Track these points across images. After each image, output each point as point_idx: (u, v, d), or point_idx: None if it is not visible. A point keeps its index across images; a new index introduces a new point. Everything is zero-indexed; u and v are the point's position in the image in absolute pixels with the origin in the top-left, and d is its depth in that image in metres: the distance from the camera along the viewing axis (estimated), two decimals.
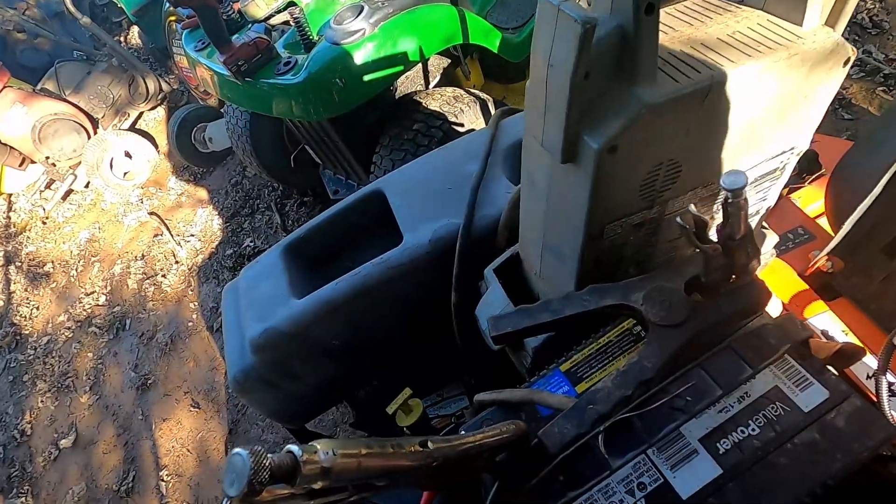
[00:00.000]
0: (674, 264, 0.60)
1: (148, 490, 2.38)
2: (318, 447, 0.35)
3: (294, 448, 0.34)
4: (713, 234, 0.55)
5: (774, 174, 0.70)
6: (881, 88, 2.36)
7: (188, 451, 2.41)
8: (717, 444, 0.55)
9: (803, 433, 0.54)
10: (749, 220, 0.76)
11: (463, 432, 0.62)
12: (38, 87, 3.73)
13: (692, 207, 0.48)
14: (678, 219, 0.48)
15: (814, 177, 1.23)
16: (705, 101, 0.53)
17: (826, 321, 0.95)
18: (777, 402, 0.56)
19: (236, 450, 0.31)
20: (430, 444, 0.44)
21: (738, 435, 0.55)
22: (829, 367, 0.57)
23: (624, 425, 0.50)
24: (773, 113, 0.58)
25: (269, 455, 0.32)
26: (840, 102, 2.32)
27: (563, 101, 0.52)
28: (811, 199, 1.26)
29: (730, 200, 0.46)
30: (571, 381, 0.67)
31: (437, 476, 0.46)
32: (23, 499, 2.57)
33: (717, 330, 0.56)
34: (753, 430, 0.55)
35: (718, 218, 0.64)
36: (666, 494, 0.54)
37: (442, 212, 0.99)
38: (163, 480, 2.37)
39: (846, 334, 0.92)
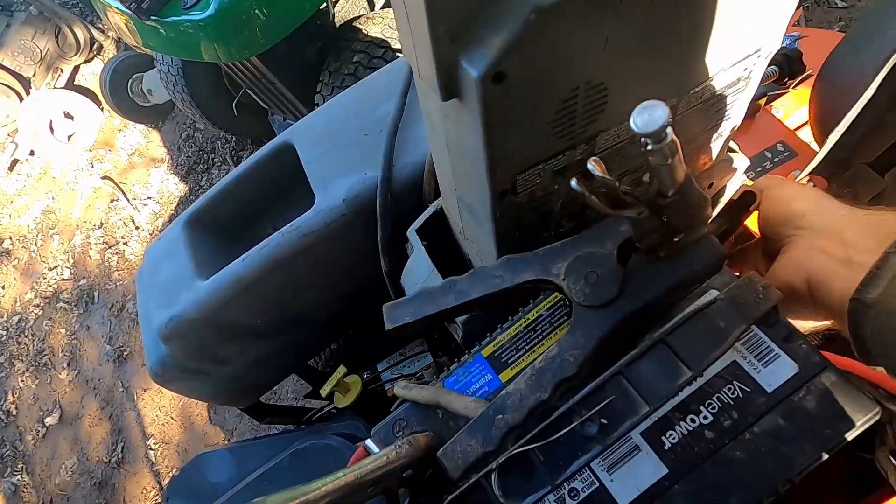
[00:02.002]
0: (605, 222, 0.47)
1: (138, 459, 2.38)
2: None
3: None
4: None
5: (738, 86, 0.55)
6: None
7: (172, 418, 2.39)
8: (663, 438, 0.45)
9: (765, 419, 0.44)
10: (686, 160, 0.62)
11: (368, 441, 0.52)
12: None
13: (592, 166, 0.34)
14: (573, 182, 0.34)
15: (798, 80, 1.06)
16: None
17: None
18: (735, 382, 0.45)
19: None
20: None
21: (688, 425, 0.45)
22: (800, 333, 0.45)
23: (523, 462, 0.40)
24: (726, 6, 0.42)
25: None
26: None
27: (422, 15, 0.36)
28: (796, 107, 1.11)
29: (649, 147, 0.32)
30: (495, 367, 0.56)
31: None
32: (18, 476, 2.59)
33: (658, 305, 0.44)
34: (706, 417, 0.45)
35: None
36: (601, 501, 0.45)
37: (357, 164, 0.84)
38: (151, 448, 2.37)
39: None
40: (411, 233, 0.76)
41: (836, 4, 2.03)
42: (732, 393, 0.45)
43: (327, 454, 0.77)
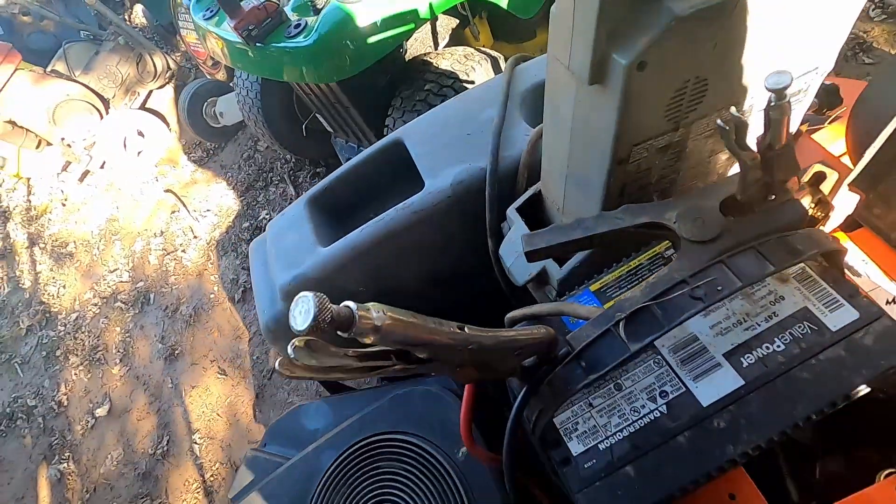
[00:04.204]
0: (710, 185, 0.61)
1: (182, 452, 2.48)
2: (371, 307, 0.38)
3: (351, 303, 0.37)
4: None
5: (798, 96, 0.71)
6: None
7: (218, 415, 2.50)
8: (741, 359, 0.57)
9: (829, 350, 0.54)
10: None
11: None
12: (49, 69, 3.74)
13: (733, 109, 0.48)
14: (718, 120, 0.48)
15: (835, 114, 1.22)
16: (734, 11, 0.53)
17: (847, 252, 0.95)
18: (805, 322, 0.57)
19: (303, 293, 0.34)
20: (466, 329, 0.47)
21: (763, 350, 0.57)
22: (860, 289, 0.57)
23: (645, 314, 0.53)
24: (799, 25, 0.58)
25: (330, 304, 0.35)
26: (861, 46, 2.26)
27: (591, 18, 0.52)
28: (832, 140, 1.25)
29: (773, 103, 0.46)
30: (600, 299, 0.69)
31: (470, 362, 0.49)
32: (65, 464, 2.70)
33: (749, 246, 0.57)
34: (779, 346, 0.56)
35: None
36: (687, 402, 0.56)
37: (462, 157, 1.00)
38: (196, 443, 2.47)
39: (866, 264, 0.93)
40: (511, 211, 0.91)
41: (865, 61, 2.21)
42: (802, 330, 0.57)
43: (429, 399, 0.88)
